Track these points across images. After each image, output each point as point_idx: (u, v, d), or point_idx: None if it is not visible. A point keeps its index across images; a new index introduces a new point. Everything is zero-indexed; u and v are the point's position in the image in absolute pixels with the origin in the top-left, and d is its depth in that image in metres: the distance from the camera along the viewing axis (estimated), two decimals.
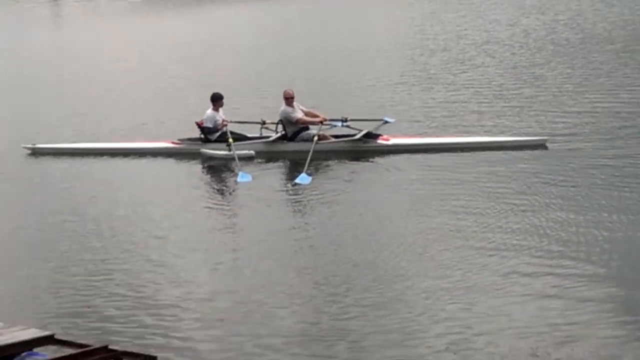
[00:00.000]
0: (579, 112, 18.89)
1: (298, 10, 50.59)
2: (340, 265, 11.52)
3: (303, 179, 15.50)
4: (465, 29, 33.84)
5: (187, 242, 12.96)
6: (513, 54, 27.10)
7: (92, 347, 8.02)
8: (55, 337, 8.32)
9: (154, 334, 9.83)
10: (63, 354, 7.93)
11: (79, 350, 7.95)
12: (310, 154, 16.34)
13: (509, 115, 19.23)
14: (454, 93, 22.04)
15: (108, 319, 10.30)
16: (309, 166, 15.97)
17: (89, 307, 10.73)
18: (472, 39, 31.18)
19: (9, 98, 26.80)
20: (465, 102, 20.96)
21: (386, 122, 18.60)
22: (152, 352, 8.48)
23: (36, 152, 18.96)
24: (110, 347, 8.07)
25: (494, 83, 22.91)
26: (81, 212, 14.79)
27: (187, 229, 13.60)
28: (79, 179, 17.16)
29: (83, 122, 21.86)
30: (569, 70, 23.66)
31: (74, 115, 22.86)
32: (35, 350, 8.20)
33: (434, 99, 21.56)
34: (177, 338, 9.71)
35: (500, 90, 21.94)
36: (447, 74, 24.63)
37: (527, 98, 20.80)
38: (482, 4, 43.47)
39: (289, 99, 17.56)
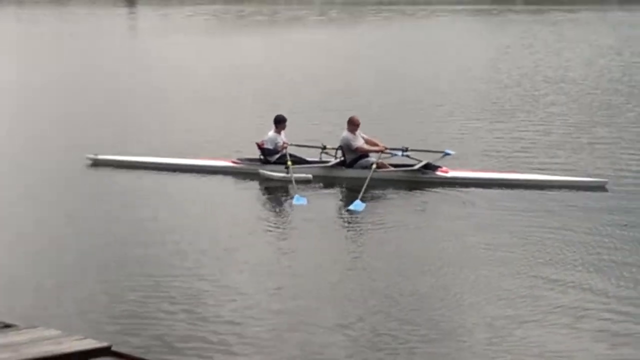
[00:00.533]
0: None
1: (376, 36, 50.83)
2: (390, 295, 11.39)
3: (357, 205, 15.43)
4: (539, 66, 33.67)
5: (241, 262, 12.90)
6: (586, 93, 26.85)
7: None
8: (112, 349, 8.30)
9: (208, 350, 9.79)
10: None
11: None
12: (367, 181, 16.28)
13: (573, 155, 19.03)
14: (521, 129, 21.89)
15: (165, 335, 10.25)
16: (364, 194, 15.88)
17: (146, 321, 10.71)
18: (545, 75, 30.99)
19: (77, 107, 27.25)
20: (532, 139, 20.79)
21: (447, 154, 18.40)
22: None
23: (98, 163, 19.17)
24: None
25: (562, 122, 22.71)
26: (137, 226, 14.87)
27: (242, 249, 13.53)
28: (137, 192, 17.28)
29: (148, 136, 22.10)
30: (638, 114, 23.29)
31: (139, 129, 23.15)
32: None
33: (500, 134, 21.45)
34: (231, 355, 9.65)
35: (568, 129, 21.72)
36: (517, 109, 24.48)
37: (595, 138, 20.60)
38: (557, 41, 43.20)
39: (353, 126, 17.52)
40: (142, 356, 8.27)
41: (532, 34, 47.54)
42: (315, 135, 19.89)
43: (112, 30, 61.39)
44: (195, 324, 10.51)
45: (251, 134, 19.54)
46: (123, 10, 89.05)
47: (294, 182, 16.75)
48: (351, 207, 15.43)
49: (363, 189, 15.99)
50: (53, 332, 8.50)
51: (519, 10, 70.55)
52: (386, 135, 19.70)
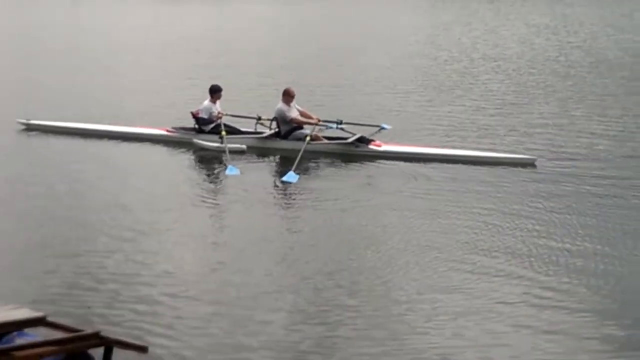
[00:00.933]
0: (575, 134, 18.90)
1: (318, 11, 50.76)
2: (326, 267, 11.35)
3: (290, 177, 15.48)
4: (477, 43, 33.94)
5: (175, 234, 12.79)
6: (521, 72, 27.14)
7: (83, 333, 7.91)
8: (47, 319, 8.23)
9: (143, 322, 9.70)
10: (54, 337, 7.85)
11: (70, 335, 7.83)
12: (301, 153, 16.34)
13: (505, 132, 19.22)
14: (455, 105, 22.07)
15: (101, 308, 10.13)
16: (298, 166, 15.96)
17: (80, 293, 10.56)
18: (482, 53, 31.27)
19: (13, 72, 26.86)
20: (465, 115, 20.97)
21: (383, 128, 18.54)
22: (143, 342, 8.39)
23: (30, 128, 18.99)
24: (101, 334, 7.98)
25: (496, 99, 22.96)
26: (70, 194, 14.73)
27: (175, 221, 13.40)
28: (69, 159, 17.13)
29: (84, 103, 21.98)
30: (573, 93, 23.70)
31: (75, 95, 22.97)
32: (26, 330, 8.05)
33: (436, 110, 21.61)
34: (167, 329, 9.56)
35: (502, 107, 21.98)
36: (453, 87, 24.68)
37: (528, 116, 20.81)
38: (494, 19, 43.56)
39: (288, 97, 17.56)
40: (77, 327, 8.23)
41: (470, 12, 47.87)
42: (251, 106, 19.90)
43: None
44: (130, 297, 10.42)
45: (188, 103, 19.49)
46: None
47: (227, 152, 16.73)
48: (284, 178, 15.46)
49: (297, 161, 16.04)
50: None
51: None
52: (323, 109, 19.84)
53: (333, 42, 34.81)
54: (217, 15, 47.02)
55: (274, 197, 15.03)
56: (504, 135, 18.89)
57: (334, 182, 15.71)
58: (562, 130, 19.29)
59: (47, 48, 32.74)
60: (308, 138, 16.99)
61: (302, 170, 16.01)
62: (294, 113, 17.58)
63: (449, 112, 21.32)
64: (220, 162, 16.78)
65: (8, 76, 26.34)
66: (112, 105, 21.52)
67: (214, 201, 14.83)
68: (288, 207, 14.44)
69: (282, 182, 15.38)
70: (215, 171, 16.48)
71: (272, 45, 33.38)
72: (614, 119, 20.35)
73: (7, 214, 13.68)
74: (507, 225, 12.96)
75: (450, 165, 16.34)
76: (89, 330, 8.08)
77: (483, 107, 21.88)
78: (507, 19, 43.67)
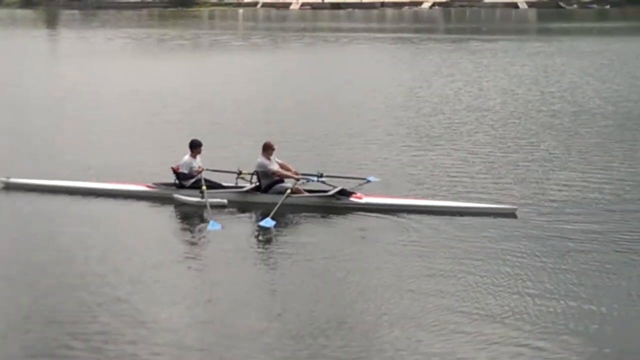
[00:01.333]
0: (557, 184, 18.95)
1: (297, 62, 51.04)
2: (311, 323, 11.46)
3: (267, 222, 15.74)
4: (458, 94, 34.07)
5: (156, 292, 12.81)
6: (503, 122, 27.21)
7: None
8: None
9: None
10: None
11: None
12: (280, 203, 16.47)
13: (488, 182, 19.23)
14: (438, 157, 22.06)
15: None
16: (275, 214, 16.06)
17: (66, 352, 10.66)
18: (464, 103, 31.37)
19: None
20: (448, 166, 20.95)
21: (369, 181, 18.60)
22: None
23: (9, 186, 18.94)
24: None
25: (479, 149, 22.95)
26: (50, 252, 14.67)
27: (156, 278, 13.40)
28: (50, 218, 17.06)
29: (62, 159, 21.86)
30: (556, 142, 23.75)
31: (54, 152, 22.89)
32: None
33: (418, 161, 21.58)
34: None
35: (484, 157, 21.96)
36: (435, 137, 24.70)
37: (510, 166, 20.83)
38: (475, 70, 43.84)
39: (268, 151, 17.59)
40: None
41: (452, 62, 48.15)
42: (231, 160, 19.89)
43: (30, 52, 60.65)
44: (115, 354, 10.45)
45: (168, 158, 19.45)
46: (42, 32, 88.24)
47: (208, 206, 16.71)
48: (261, 222, 15.74)
49: (275, 210, 16.18)
50: None
51: (439, 39, 71.47)
52: (305, 161, 19.90)
53: (314, 93, 34.93)
54: (197, 68, 47.17)
55: (257, 251, 15.02)
56: (486, 186, 18.91)
57: (315, 235, 15.73)
58: (544, 180, 19.31)
59: (24, 103, 32.73)
60: (288, 191, 17.00)
61: (282, 224, 16.05)
62: (274, 166, 17.60)
63: (430, 163, 21.33)
64: (202, 217, 16.74)
65: None
66: (92, 161, 21.43)
67: (197, 257, 14.80)
68: (271, 261, 14.42)
69: (259, 226, 15.59)
70: (197, 227, 16.42)
71: (253, 98, 33.46)
72: (597, 169, 20.39)
73: None
74: (489, 278, 12.99)
75: (431, 217, 16.32)
76: None
77: (466, 158, 21.90)
78: (489, 70, 43.93)
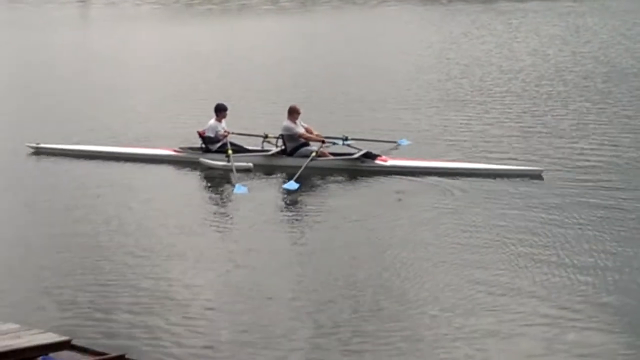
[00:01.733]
0: (585, 145, 18.86)
1: (325, 26, 50.82)
2: (340, 288, 11.49)
3: (291, 185, 15.89)
4: (488, 56, 33.78)
5: (186, 255, 12.92)
6: (532, 83, 26.95)
7: (109, 356, 7.94)
8: (72, 342, 8.23)
9: (165, 345, 9.84)
10: None
11: (96, 358, 7.88)
12: (304, 166, 16.57)
13: (515, 144, 19.18)
14: (465, 119, 21.99)
15: (123, 330, 10.26)
16: (300, 177, 16.15)
17: (102, 316, 10.72)
18: (493, 65, 31.09)
19: (20, 96, 27.05)
20: (477, 128, 20.88)
21: (400, 144, 18.68)
22: None
23: (39, 152, 19.09)
24: (127, 356, 7.98)
25: (507, 111, 22.85)
26: (82, 218, 14.83)
27: (185, 241, 13.53)
28: (79, 182, 17.22)
29: (92, 125, 22.01)
30: (587, 104, 23.48)
31: (83, 117, 23.07)
32: (51, 354, 8.09)
33: (446, 123, 21.54)
34: (190, 351, 9.71)
35: (513, 119, 21.88)
36: (463, 100, 24.56)
37: (538, 128, 20.71)
38: (505, 31, 43.48)
39: (293, 114, 17.62)
40: (102, 350, 8.25)
41: (482, 24, 47.74)
42: (259, 124, 19.96)
43: (58, 19, 60.76)
44: (151, 319, 10.57)
45: (196, 123, 19.52)
46: None
47: (234, 170, 16.80)
48: (285, 185, 15.91)
49: (299, 172, 16.27)
50: (12, 326, 8.47)
51: (469, 0, 70.84)
52: (334, 125, 19.95)
53: (343, 57, 34.78)
54: (226, 32, 47.07)
55: (282, 214, 15.17)
56: (514, 148, 18.86)
57: (340, 197, 15.85)
58: (569, 142, 19.16)
59: (54, 70, 32.94)
60: (314, 154, 17.06)
61: (309, 187, 16.24)
62: (300, 130, 17.63)
63: (460, 125, 21.24)
64: (228, 180, 16.83)
65: (15, 99, 26.50)
66: (120, 126, 21.60)
67: (223, 221, 14.96)
68: (296, 225, 14.53)
69: (283, 189, 15.75)
70: (224, 190, 16.55)
71: (281, 62, 33.41)
72: (627, 131, 20.16)
73: (23, 239, 13.80)
74: (515, 241, 12.97)
75: (457, 179, 16.31)
76: (114, 353, 8.09)
77: (495, 120, 21.81)
78: (519, 31, 43.54)
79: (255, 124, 20.13)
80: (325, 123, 19.94)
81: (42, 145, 19.18)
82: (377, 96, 25.40)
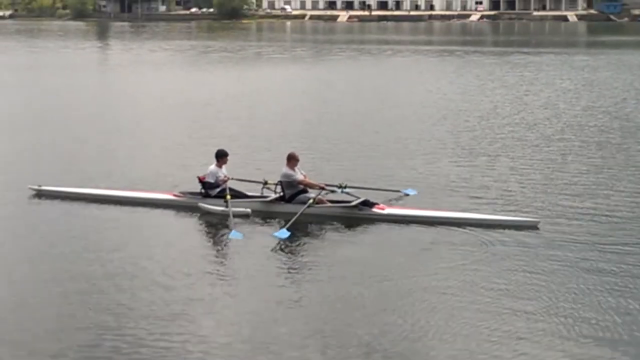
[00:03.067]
0: (581, 198, 18.79)
1: (341, 74, 51.16)
2: (327, 328, 11.71)
3: (282, 233, 15.89)
4: (498, 108, 33.84)
5: (178, 301, 12.97)
6: (540, 137, 26.91)
7: None
8: None
9: None
10: None
11: None
12: (299, 214, 16.60)
13: (516, 196, 19.08)
14: (471, 169, 21.91)
15: None
16: (294, 224, 16.20)
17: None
18: (504, 118, 31.11)
19: (28, 137, 27.29)
20: (480, 179, 20.79)
21: (407, 194, 18.70)
22: None
23: (41, 194, 19.18)
24: None
25: (515, 163, 22.73)
26: (84, 261, 14.87)
27: (178, 287, 13.55)
28: (80, 225, 17.19)
29: (96, 168, 22.15)
30: (595, 157, 23.38)
31: (88, 160, 23.24)
32: None
33: (449, 173, 21.47)
34: None
35: (518, 171, 21.73)
36: (471, 150, 24.56)
37: (539, 179, 20.64)
38: (518, 83, 43.63)
39: (292, 161, 17.69)
40: None
41: (496, 76, 48.04)
42: (262, 170, 19.99)
43: (79, 63, 61.54)
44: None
45: (199, 168, 19.58)
46: (93, 44, 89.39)
47: (231, 215, 16.81)
48: (276, 233, 15.91)
49: (292, 220, 16.31)
50: None
51: (484, 52, 71.27)
52: (341, 173, 20.23)
53: (356, 105, 34.96)
54: (240, 80, 47.40)
55: (276, 261, 15.00)
56: (515, 199, 18.76)
57: (336, 245, 15.80)
58: (577, 195, 19.04)
59: (66, 112, 33.31)
60: (311, 201, 17.08)
61: (305, 233, 16.20)
62: (299, 176, 17.68)
63: (465, 176, 21.11)
64: (226, 226, 16.83)
65: (24, 141, 26.74)
66: (125, 169, 21.79)
67: (218, 267, 14.89)
68: (290, 271, 14.47)
69: (273, 236, 15.74)
70: (220, 236, 16.52)
71: (293, 109, 33.60)
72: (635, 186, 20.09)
73: (28, 283, 13.83)
74: (511, 293, 13.01)
75: (451, 229, 16.26)
76: None
77: (494, 170, 21.77)
78: (532, 84, 43.71)
79: (259, 170, 20.18)
80: (334, 170, 20.19)
81: (43, 187, 19.28)
82: (385, 145, 25.48)
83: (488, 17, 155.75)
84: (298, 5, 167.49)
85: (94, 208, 18.45)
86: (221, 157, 18.27)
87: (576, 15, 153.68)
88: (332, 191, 17.87)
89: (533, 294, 12.88)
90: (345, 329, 11.68)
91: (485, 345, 11.11)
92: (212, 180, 18.06)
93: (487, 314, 12.14)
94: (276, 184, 17.89)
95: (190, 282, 13.77)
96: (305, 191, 17.60)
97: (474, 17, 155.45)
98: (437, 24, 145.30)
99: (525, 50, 71.85)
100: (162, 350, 11.14)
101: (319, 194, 17.47)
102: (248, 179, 18.67)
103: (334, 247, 15.56)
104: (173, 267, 14.47)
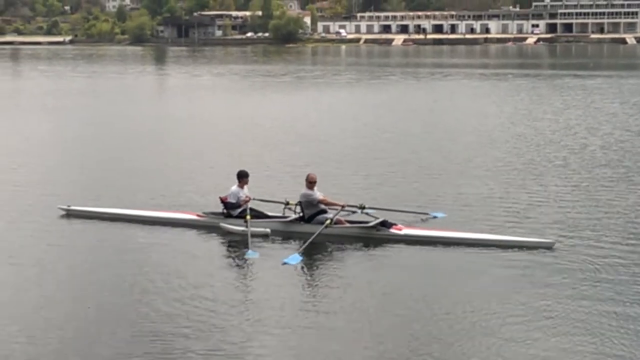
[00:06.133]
0: (595, 218, 18.64)
1: (395, 97, 51.31)
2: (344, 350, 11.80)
3: (293, 259, 15.86)
4: (539, 132, 33.64)
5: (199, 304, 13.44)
6: (577, 160, 26.63)
7: None
8: None
9: None
10: None
11: None
12: (314, 236, 16.71)
13: (528, 215, 19.06)
14: (497, 191, 21.79)
15: None
16: (309, 246, 16.33)
17: None
18: (544, 141, 30.90)
19: (64, 158, 27.90)
20: (506, 200, 20.70)
21: (435, 217, 18.72)
22: None
23: (70, 214, 19.54)
24: None
25: (546, 186, 22.55)
26: (105, 278, 15.23)
27: (192, 301, 13.86)
28: (106, 245, 17.55)
29: (131, 188, 22.61)
30: (629, 183, 23.17)
31: (130, 180, 23.85)
32: None
33: (477, 195, 21.38)
34: None
35: (549, 193, 21.57)
36: (504, 172, 24.47)
37: (571, 203, 20.46)
38: (565, 107, 43.33)
39: (311, 183, 17.84)
40: None
41: (544, 99, 47.82)
42: (286, 192, 20.12)
43: (129, 86, 62.48)
44: None
45: (223, 189, 19.78)
46: (150, 69, 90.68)
47: (249, 235, 17.00)
48: (286, 259, 15.84)
49: (306, 244, 16.44)
50: None
51: (538, 75, 70.90)
52: (372, 193, 20.52)
53: (401, 129, 35.02)
54: (291, 104, 47.78)
55: (291, 277, 15.09)
56: (529, 218, 18.68)
57: (352, 265, 15.88)
58: (583, 215, 18.95)
59: (115, 134, 34.00)
60: (328, 221, 17.19)
61: (322, 254, 16.32)
62: (319, 196, 17.83)
63: (495, 197, 21.00)
64: (246, 245, 17.01)
65: (55, 161, 27.35)
66: (159, 189, 22.30)
67: (234, 283, 15.00)
68: (307, 291, 14.63)
69: (284, 263, 15.67)
70: (237, 256, 16.70)
71: (341, 133, 33.78)
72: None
73: (53, 300, 14.12)
74: (526, 317, 12.99)
75: (468, 249, 16.27)
76: None
77: (532, 194, 21.59)
78: (577, 107, 43.43)
79: (283, 192, 20.30)
80: (369, 191, 20.71)
81: (72, 207, 19.64)
82: (422, 167, 25.54)
83: (545, 40, 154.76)
84: (353, 29, 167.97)
85: (121, 227, 18.75)
86: (242, 177, 18.50)
87: (635, 38, 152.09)
88: (353, 212, 17.96)
89: (557, 315, 12.90)
90: (363, 350, 11.78)
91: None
92: (233, 201, 18.28)
93: (504, 334, 12.19)
94: (296, 204, 18.03)
95: (211, 297, 14.06)
96: (324, 211, 17.71)
97: (531, 40, 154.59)
98: (492, 47, 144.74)
99: (580, 73, 71.31)
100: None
101: (337, 214, 17.55)
102: (270, 199, 18.83)
103: (349, 268, 15.67)
104: (194, 282, 14.78)
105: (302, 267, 15.58)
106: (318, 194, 17.85)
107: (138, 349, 12.02)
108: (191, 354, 11.85)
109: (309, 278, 15.21)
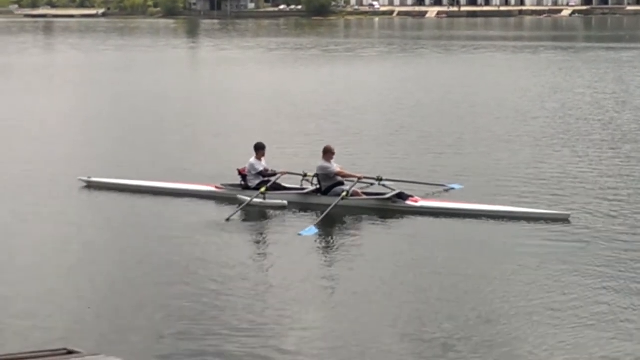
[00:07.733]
0: (613, 192, 18.50)
1: (427, 70, 51.13)
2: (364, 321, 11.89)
3: (310, 231, 15.87)
4: (568, 105, 33.33)
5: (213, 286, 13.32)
6: (601, 133, 26.43)
7: None
8: None
9: None
10: None
11: None
12: (330, 208, 16.73)
13: (546, 187, 18.94)
14: (516, 163, 21.69)
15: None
16: (325, 218, 16.39)
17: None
18: (572, 114, 30.62)
19: (83, 131, 28.18)
20: (523, 171, 20.58)
21: (452, 188, 18.67)
22: None
23: (90, 185, 19.68)
24: None
25: (552, 155, 22.48)
26: (127, 248, 15.45)
27: (212, 273, 13.92)
28: (127, 216, 17.80)
29: (151, 160, 22.79)
30: (624, 151, 22.99)
31: (154, 152, 24.13)
32: None
33: (495, 166, 21.36)
34: None
35: (549, 163, 21.53)
36: (525, 144, 24.35)
37: (570, 173, 20.39)
38: (594, 80, 43.00)
39: (328, 154, 17.80)
40: None
41: (576, 72, 47.36)
42: (306, 163, 20.10)
43: (166, 60, 62.62)
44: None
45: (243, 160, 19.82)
46: (182, 42, 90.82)
47: (268, 207, 17.09)
48: (302, 231, 15.86)
49: (323, 215, 16.47)
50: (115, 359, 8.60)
51: (572, 48, 70.21)
52: (395, 165, 20.75)
53: (430, 102, 34.89)
54: (323, 77, 47.53)
55: (309, 250, 15.11)
56: (544, 191, 18.59)
57: (370, 237, 16.03)
58: (599, 188, 18.81)
59: (143, 106, 34.40)
60: (344, 193, 17.18)
61: (338, 225, 16.47)
62: (335, 168, 17.81)
63: (509, 169, 20.90)
64: (264, 216, 17.08)
65: (79, 134, 27.61)
66: (171, 162, 22.44)
67: (253, 256, 15.12)
68: (320, 258, 14.80)
69: (299, 235, 15.69)
70: (253, 226, 16.75)
71: (370, 105, 33.75)
72: None
73: (75, 271, 14.30)
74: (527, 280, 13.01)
75: (484, 221, 16.27)
76: None
77: (530, 163, 21.54)
78: (604, 80, 42.97)
79: (305, 165, 20.24)
80: (391, 163, 20.98)
81: (92, 179, 19.77)
82: (445, 139, 25.44)
83: (580, 12, 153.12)
84: (386, 2, 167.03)
85: (140, 199, 18.91)
86: (259, 149, 18.52)
87: None
88: (371, 184, 17.91)
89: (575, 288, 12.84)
90: (381, 322, 11.83)
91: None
92: (253, 173, 18.30)
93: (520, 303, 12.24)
94: (313, 176, 18.02)
95: (226, 266, 14.20)
96: (341, 183, 17.70)
97: (566, 12, 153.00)
98: (527, 19, 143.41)
99: (614, 45, 70.47)
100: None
101: (354, 185, 17.54)
102: (288, 171, 18.80)
103: (366, 239, 15.82)
104: (211, 252, 14.99)
105: (318, 239, 15.62)
106: (335, 165, 17.83)
107: (158, 318, 11.97)
108: (208, 322, 11.82)
109: (324, 250, 15.28)
